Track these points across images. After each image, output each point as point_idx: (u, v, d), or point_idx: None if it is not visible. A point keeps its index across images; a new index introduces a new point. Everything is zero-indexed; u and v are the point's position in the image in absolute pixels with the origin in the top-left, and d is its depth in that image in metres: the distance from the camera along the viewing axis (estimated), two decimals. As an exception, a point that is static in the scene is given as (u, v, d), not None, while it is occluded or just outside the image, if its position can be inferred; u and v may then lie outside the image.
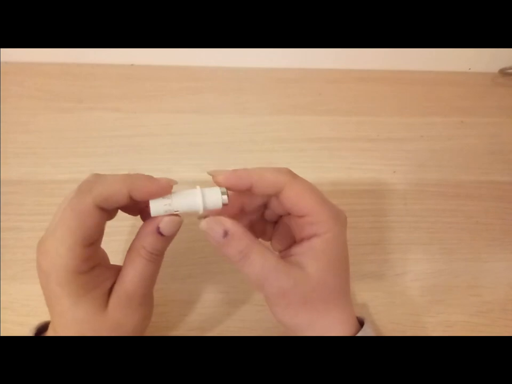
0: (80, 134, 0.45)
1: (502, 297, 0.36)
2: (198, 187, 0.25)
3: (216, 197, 0.24)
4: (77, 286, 0.23)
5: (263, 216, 0.29)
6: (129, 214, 0.27)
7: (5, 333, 0.32)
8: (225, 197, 0.24)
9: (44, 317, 0.27)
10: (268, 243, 0.30)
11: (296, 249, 0.26)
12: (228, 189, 0.25)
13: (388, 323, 0.34)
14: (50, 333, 0.26)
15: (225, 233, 0.23)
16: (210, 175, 0.25)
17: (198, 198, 0.24)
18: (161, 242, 0.25)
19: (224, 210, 0.25)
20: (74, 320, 0.24)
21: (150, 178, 0.24)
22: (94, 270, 0.24)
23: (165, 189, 0.24)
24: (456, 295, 0.36)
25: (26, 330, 0.26)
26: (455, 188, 0.43)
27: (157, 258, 0.25)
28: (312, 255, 0.25)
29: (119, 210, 0.27)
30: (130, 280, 0.25)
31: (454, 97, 0.51)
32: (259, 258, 0.24)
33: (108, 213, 0.24)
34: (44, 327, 0.27)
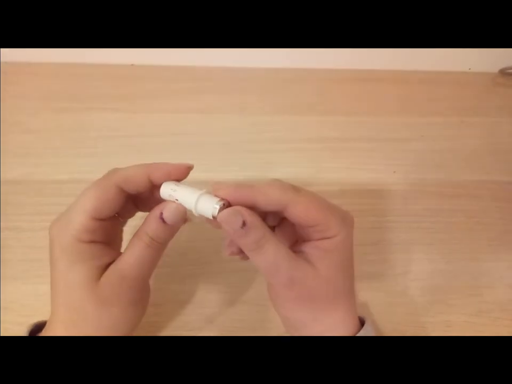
0: (80, 134, 0.45)
1: (502, 297, 0.36)
2: (203, 190, 0.25)
3: (208, 207, 0.24)
4: (74, 252, 0.24)
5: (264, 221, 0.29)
6: (148, 211, 0.27)
7: (5, 333, 0.32)
8: (216, 211, 0.24)
9: (43, 317, 0.27)
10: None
11: (305, 247, 0.26)
12: (229, 204, 0.25)
13: (388, 323, 0.34)
14: (48, 324, 0.26)
15: (244, 224, 0.23)
16: (213, 188, 0.25)
17: (193, 199, 0.24)
18: (163, 229, 0.25)
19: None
20: (65, 285, 0.25)
21: (168, 162, 0.26)
22: (95, 244, 0.25)
23: (181, 170, 0.25)
24: (456, 295, 0.36)
25: (24, 329, 0.26)
26: (455, 188, 0.43)
27: (157, 245, 0.25)
28: (322, 254, 0.25)
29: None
30: (125, 260, 0.25)
31: (454, 97, 0.51)
32: (273, 248, 0.24)
33: (128, 199, 0.26)
34: (40, 326, 0.26)
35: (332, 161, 0.44)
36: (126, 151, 0.44)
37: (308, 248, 0.26)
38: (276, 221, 0.29)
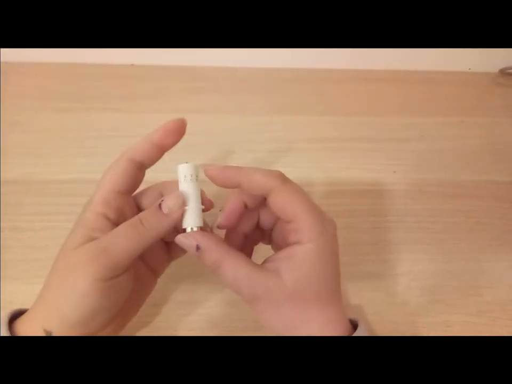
0: (80, 134, 0.45)
1: (502, 297, 0.36)
2: (199, 206, 0.26)
3: (185, 223, 0.26)
4: (83, 218, 0.26)
5: (258, 226, 0.29)
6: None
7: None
8: (187, 230, 0.26)
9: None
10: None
11: (278, 255, 0.26)
12: (217, 184, 0.26)
13: (388, 323, 0.34)
14: None
15: (198, 248, 0.25)
16: (203, 169, 0.26)
17: (185, 207, 0.25)
18: (153, 214, 0.25)
19: (232, 209, 0.27)
20: (64, 244, 0.25)
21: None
22: (104, 218, 0.26)
23: (175, 125, 0.27)
24: (456, 295, 0.36)
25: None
26: (455, 188, 0.43)
27: (143, 230, 0.25)
28: (291, 264, 0.25)
29: None
30: (106, 236, 0.25)
31: (454, 97, 0.51)
32: (231, 269, 0.25)
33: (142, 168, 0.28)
34: (17, 313, 0.26)
35: (332, 161, 0.44)
36: (126, 151, 0.44)
37: (280, 256, 0.26)
38: (269, 223, 0.29)
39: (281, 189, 0.25)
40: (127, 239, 0.24)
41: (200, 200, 0.26)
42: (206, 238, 0.25)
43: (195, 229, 0.25)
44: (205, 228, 0.26)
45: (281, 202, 0.25)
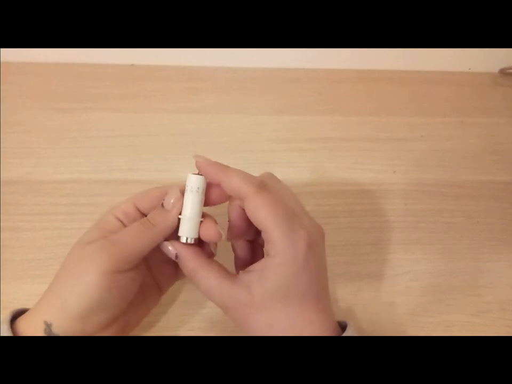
0: (80, 134, 0.45)
1: (502, 297, 0.36)
2: (199, 218, 0.27)
3: (182, 230, 0.27)
4: (101, 221, 0.27)
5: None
6: None
7: (5, 333, 0.32)
8: (182, 239, 0.27)
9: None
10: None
11: (254, 266, 0.26)
12: (203, 175, 0.27)
13: (388, 323, 0.34)
14: None
15: (176, 256, 0.27)
16: (194, 156, 0.27)
17: (183, 215, 0.26)
18: (159, 211, 0.27)
19: (233, 218, 0.28)
20: (77, 241, 0.26)
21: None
22: (120, 223, 0.27)
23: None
24: (456, 295, 0.36)
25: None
26: (455, 188, 0.43)
27: (150, 226, 0.26)
28: (260, 277, 0.25)
29: None
30: (116, 233, 0.26)
31: (454, 97, 0.51)
32: (203, 281, 0.26)
33: None
34: (20, 312, 0.26)
35: (332, 161, 0.44)
36: (126, 151, 0.44)
37: (254, 267, 0.26)
38: None
39: (253, 198, 0.25)
40: (136, 234, 0.26)
41: (200, 213, 0.27)
42: (185, 249, 0.27)
43: (189, 239, 0.27)
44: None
45: (252, 211, 0.25)
